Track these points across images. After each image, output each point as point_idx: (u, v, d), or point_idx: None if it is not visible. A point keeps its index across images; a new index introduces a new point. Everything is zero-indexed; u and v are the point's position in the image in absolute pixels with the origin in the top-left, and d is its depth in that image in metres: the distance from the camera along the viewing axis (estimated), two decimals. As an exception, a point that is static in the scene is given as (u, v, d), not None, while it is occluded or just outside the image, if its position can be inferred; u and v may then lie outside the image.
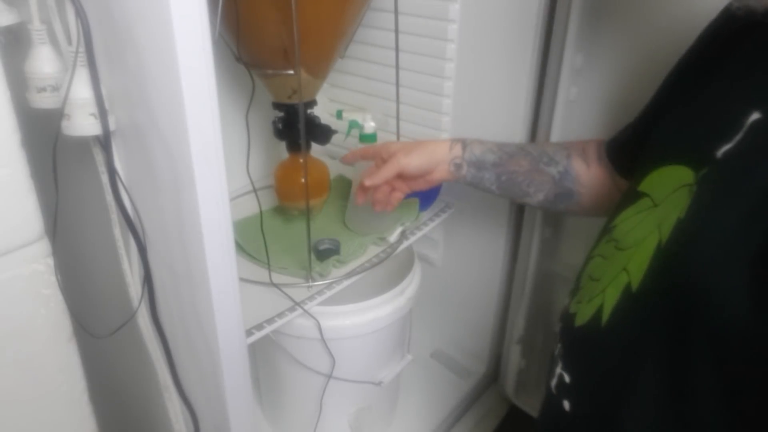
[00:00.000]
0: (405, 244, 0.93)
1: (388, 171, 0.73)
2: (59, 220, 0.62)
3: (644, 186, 0.51)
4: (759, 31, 0.46)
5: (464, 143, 0.76)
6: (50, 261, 0.59)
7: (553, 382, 0.53)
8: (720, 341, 0.39)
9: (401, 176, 0.76)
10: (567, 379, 0.52)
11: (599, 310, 0.49)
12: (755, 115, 0.41)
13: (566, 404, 0.51)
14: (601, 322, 0.48)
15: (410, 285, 0.93)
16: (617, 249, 0.50)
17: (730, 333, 0.38)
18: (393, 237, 0.92)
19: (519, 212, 1.07)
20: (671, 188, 0.46)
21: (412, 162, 0.74)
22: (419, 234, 0.97)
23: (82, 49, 0.53)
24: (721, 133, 0.43)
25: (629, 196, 0.52)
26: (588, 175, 0.72)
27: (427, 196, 1.02)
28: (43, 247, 0.58)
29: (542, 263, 1.08)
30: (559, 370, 0.53)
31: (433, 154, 0.75)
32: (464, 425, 1.21)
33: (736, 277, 0.37)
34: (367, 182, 0.74)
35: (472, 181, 0.75)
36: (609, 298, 0.48)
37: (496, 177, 0.74)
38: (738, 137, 0.42)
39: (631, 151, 0.62)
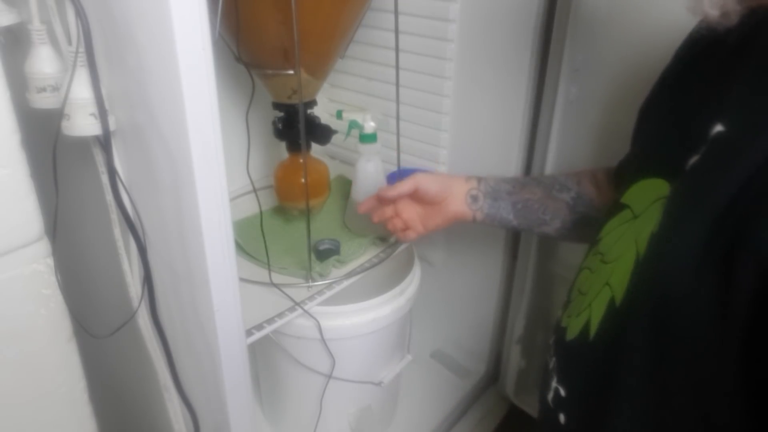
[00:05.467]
0: (405, 244, 0.93)
1: (405, 186, 0.75)
2: (59, 220, 0.62)
3: (626, 198, 0.52)
4: (722, 48, 0.47)
5: (479, 178, 0.76)
6: (50, 261, 0.59)
7: (550, 396, 0.54)
8: (689, 347, 0.40)
9: (417, 198, 0.76)
10: (562, 392, 0.52)
11: (587, 324, 0.50)
12: (718, 128, 0.42)
13: (562, 417, 0.52)
14: (589, 336, 0.49)
15: (410, 285, 0.93)
16: (602, 262, 0.51)
17: (699, 340, 0.39)
18: (393, 237, 0.92)
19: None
20: (650, 201, 0.47)
21: (429, 185, 0.75)
22: (419, 234, 0.97)
23: (82, 49, 0.53)
24: (690, 146, 0.44)
25: (614, 208, 0.53)
26: (600, 199, 0.72)
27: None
28: (43, 247, 0.58)
29: (542, 263, 1.08)
30: (554, 383, 0.53)
31: (449, 182, 0.76)
32: (464, 425, 1.21)
33: (703, 287, 0.38)
34: (385, 195, 0.76)
35: (488, 212, 0.75)
36: (595, 312, 0.49)
37: (512, 205, 0.74)
38: (703, 149, 0.43)
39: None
